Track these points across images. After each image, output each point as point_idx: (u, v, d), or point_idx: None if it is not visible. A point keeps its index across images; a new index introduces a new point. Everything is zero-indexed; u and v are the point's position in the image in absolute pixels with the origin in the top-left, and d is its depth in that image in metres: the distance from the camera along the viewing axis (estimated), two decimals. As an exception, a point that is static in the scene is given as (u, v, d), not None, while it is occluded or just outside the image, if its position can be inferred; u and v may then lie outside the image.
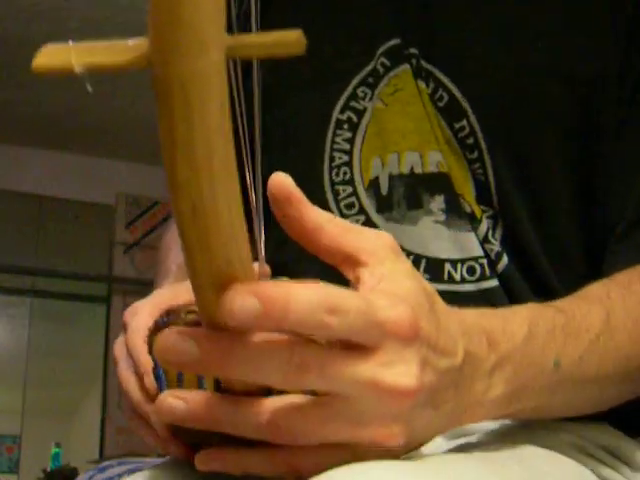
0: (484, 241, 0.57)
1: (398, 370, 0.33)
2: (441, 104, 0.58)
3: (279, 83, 0.68)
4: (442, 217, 0.59)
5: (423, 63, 0.59)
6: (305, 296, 0.31)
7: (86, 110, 3.57)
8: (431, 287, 0.38)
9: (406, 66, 0.60)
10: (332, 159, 0.63)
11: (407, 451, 0.38)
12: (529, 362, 0.43)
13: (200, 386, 0.42)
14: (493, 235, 0.57)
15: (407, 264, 0.38)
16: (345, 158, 0.63)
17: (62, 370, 5.36)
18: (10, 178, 4.01)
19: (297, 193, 0.35)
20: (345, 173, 0.63)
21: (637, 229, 0.54)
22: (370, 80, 0.62)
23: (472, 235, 0.58)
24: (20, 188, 4.04)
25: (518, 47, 0.57)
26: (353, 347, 0.33)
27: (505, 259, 0.57)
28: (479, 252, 0.57)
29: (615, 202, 0.55)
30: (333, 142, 0.63)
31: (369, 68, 0.62)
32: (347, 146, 0.63)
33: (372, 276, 0.36)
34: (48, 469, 4.32)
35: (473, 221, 0.58)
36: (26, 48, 3.43)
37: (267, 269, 0.49)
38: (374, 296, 0.34)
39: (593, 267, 0.55)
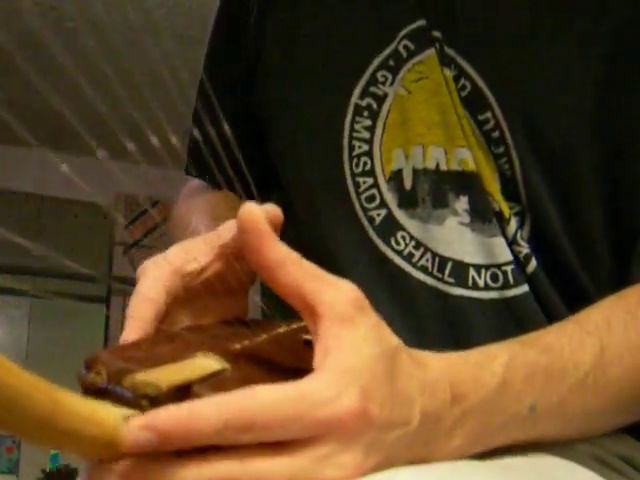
0: (512, 243, 0.55)
1: (339, 461, 0.32)
2: (464, 94, 0.56)
3: (294, 66, 0.65)
4: (467, 219, 0.57)
5: (446, 49, 0.56)
6: (206, 417, 0.30)
7: (86, 110, 3.56)
8: (396, 341, 0.36)
9: (431, 51, 0.57)
10: (352, 148, 0.60)
11: None
12: (500, 411, 0.41)
13: None
14: (521, 235, 0.55)
15: (369, 321, 0.36)
16: (365, 147, 0.60)
17: (62, 370, 5.35)
18: (10, 178, 4.01)
19: (266, 226, 0.34)
20: (365, 163, 0.60)
21: None
22: (391, 63, 0.59)
23: (498, 239, 0.56)
24: (20, 188, 4.03)
25: (546, 33, 0.54)
26: (287, 442, 0.32)
27: (534, 262, 0.55)
28: (505, 258, 0.55)
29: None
30: (352, 130, 0.60)
31: (390, 50, 0.59)
32: (367, 135, 0.60)
33: (326, 339, 0.34)
34: (47, 469, 4.31)
35: (501, 221, 0.56)
36: (26, 48, 3.43)
37: None
38: (318, 383, 0.32)
39: (621, 264, 0.53)
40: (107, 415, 0.32)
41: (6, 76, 3.29)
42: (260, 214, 0.34)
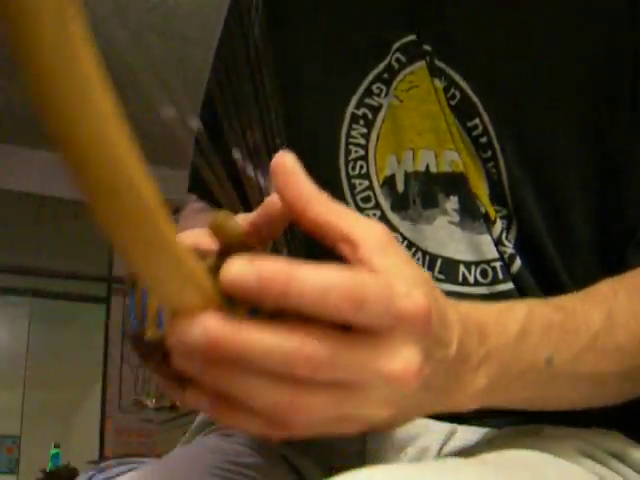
0: (498, 243, 0.57)
1: (405, 358, 0.34)
2: (453, 102, 0.58)
3: (295, 79, 0.68)
4: (456, 218, 0.58)
5: (436, 61, 0.59)
6: (311, 278, 0.31)
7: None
8: (427, 274, 0.38)
9: (422, 63, 0.60)
10: (348, 152, 0.63)
11: (386, 427, 0.39)
12: (518, 358, 0.43)
13: None
14: (507, 237, 0.57)
15: (405, 252, 0.38)
16: (361, 152, 0.62)
17: (62, 370, 5.35)
18: (10, 178, 4.01)
19: (297, 167, 0.35)
20: (362, 167, 0.62)
21: None
22: (385, 76, 0.62)
23: (486, 237, 0.57)
24: (20, 188, 4.04)
25: (529, 44, 0.56)
26: (361, 330, 0.33)
27: (519, 261, 0.56)
28: (493, 254, 0.57)
29: (634, 203, 0.55)
30: (349, 136, 0.63)
31: (384, 64, 0.62)
32: (363, 141, 0.62)
33: (370, 259, 0.35)
34: (47, 469, 4.32)
35: (487, 222, 0.57)
36: (26, 48, 3.44)
37: None
38: (393, 280, 0.34)
39: (607, 269, 0.54)
40: (198, 264, 0.31)
41: (6, 76, 3.30)
42: (293, 158, 0.36)
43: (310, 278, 0.31)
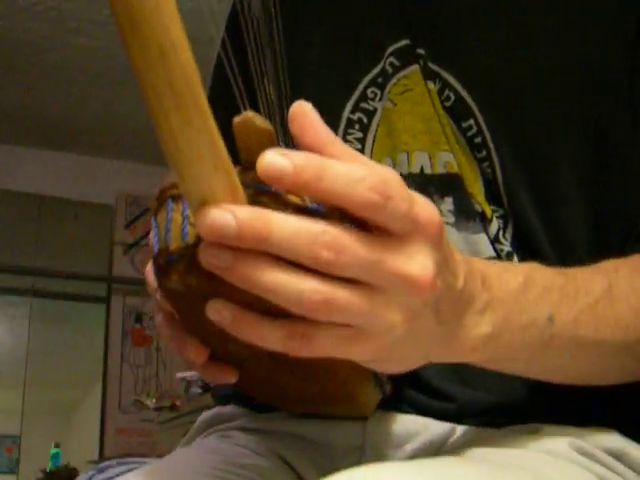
0: (495, 241, 0.57)
1: (422, 263, 0.35)
2: (448, 104, 0.58)
3: (291, 85, 0.69)
4: (451, 219, 0.59)
5: (430, 63, 0.59)
6: (343, 167, 0.32)
7: (86, 110, 3.57)
8: None
9: (415, 67, 0.61)
10: None
11: (397, 364, 0.40)
12: (521, 310, 0.43)
13: None
14: (504, 235, 0.57)
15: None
16: None
17: (62, 370, 5.35)
18: (10, 178, 4.01)
19: (315, 114, 0.36)
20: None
21: None
22: (379, 80, 0.62)
23: (482, 236, 0.58)
24: (20, 188, 4.03)
25: (524, 45, 0.57)
26: (382, 232, 0.34)
27: (516, 259, 0.57)
28: (489, 253, 0.57)
29: (634, 200, 0.55)
30: (345, 141, 0.63)
31: (378, 68, 0.63)
32: (359, 146, 0.63)
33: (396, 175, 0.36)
34: (47, 469, 4.32)
35: (484, 221, 0.57)
36: (26, 48, 3.44)
37: None
38: (412, 192, 0.35)
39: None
40: (244, 200, 0.33)
41: (6, 76, 3.30)
42: (309, 105, 0.36)
43: (343, 166, 0.33)
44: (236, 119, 0.35)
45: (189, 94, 0.30)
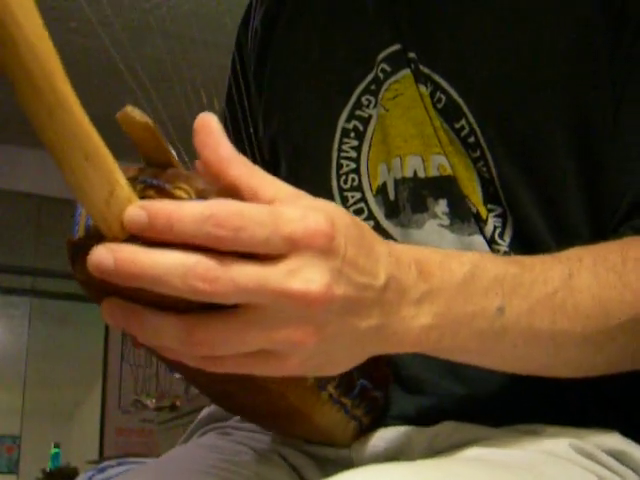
0: (491, 242, 0.57)
1: (307, 276, 0.35)
2: (440, 106, 0.59)
3: (284, 95, 0.70)
4: (446, 221, 0.59)
5: (421, 67, 0.60)
6: (190, 209, 0.33)
7: (86, 110, 3.56)
8: (344, 210, 0.39)
9: (406, 71, 0.61)
10: (340, 166, 0.64)
11: (331, 367, 0.40)
12: (466, 301, 0.43)
13: None
14: (501, 235, 0.57)
15: (324, 200, 0.39)
16: (352, 165, 0.63)
17: (62, 370, 5.35)
18: (10, 178, 4.01)
19: (218, 127, 0.36)
20: (353, 180, 0.63)
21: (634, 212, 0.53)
22: (373, 87, 0.63)
23: (477, 237, 0.58)
24: (20, 188, 4.03)
25: (510, 42, 0.57)
26: (261, 256, 0.34)
27: None
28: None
29: (618, 187, 0.55)
30: (340, 150, 0.64)
31: (371, 76, 0.63)
32: (354, 154, 0.63)
33: (289, 196, 0.37)
34: (47, 469, 4.32)
35: (479, 222, 0.57)
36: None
37: None
38: (285, 208, 0.35)
39: None
40: (125, 189, 0.34)
41: (6, 76, 3.29)
42: (214, 119, 0.36)
43: (192, 207, 0.33)
44: (117, 114, 0.35)
45: (47, 82, 0.31)
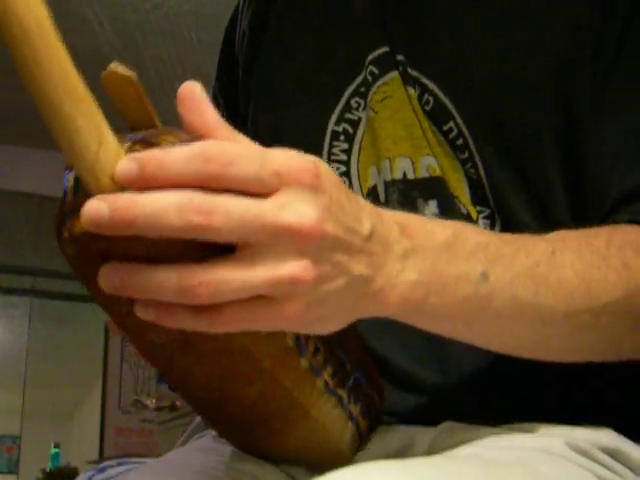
0: None
1: (298, 210, 0.35)
2: (428, 108, 0.59)
3: (273, 98, 0.70)
4: None
5: (409, 70, 0.60)
6: (179, 150, 0.33)
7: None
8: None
9: (394, 73, 0.61)
10: None
11: (325, 322, 0.39)
12: (450, 262, 0.42)
13: None
14: None
15: None
16: (343, 168, 0.63)
17: (62, 370, 5.36)
18: (10, 178, 4.01)
19: (204, 95, 0.36)
20: (344, 182, 0.63)
21: (619, 207, 0.54)
22: (362, 89, 0.63)
23: None
24: (20, 188, 4.04)
25: (496, 42, 0.58)
26: (252, 193, 0.34)
27: None
28: None
29: (603, 185, 0.55)
30: (330, 153, 0.64)
31: (360, 78, 0.63)
32: (344, 157, 0.63)
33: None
34: (47, 469, 4.32)
35: (469, 222, 0.57)
36: (26, 48, 3.42)
37: None
38: (269, 150, 0.36)
39: None
40: (113, 142, 0.34)
41: (6, 76, 3.30)
42: (199, 87, 0.36)
43: (181, 148, 0.34)
44: (103, 73, 0.36)
45: (35, 25, 0.33)
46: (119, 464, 1.38)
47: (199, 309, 0.35)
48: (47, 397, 5.48)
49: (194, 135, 0.35)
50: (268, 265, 0.35)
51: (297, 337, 0.43)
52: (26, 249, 4.46)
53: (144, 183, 0.33)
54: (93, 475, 1.28)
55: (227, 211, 0.33)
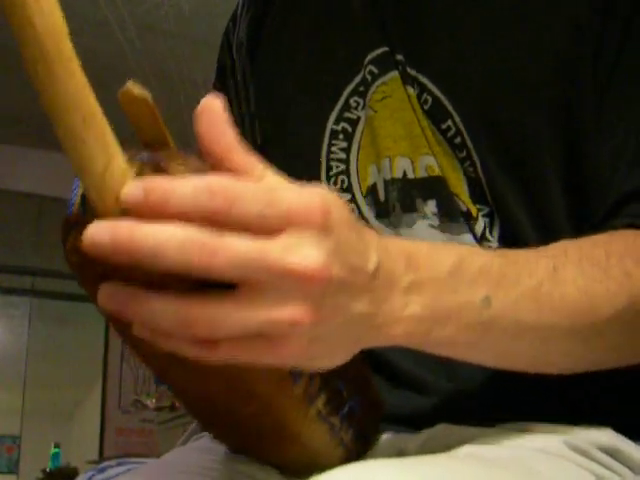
0: (481, 239, 0.57)
1: (304, 253, 0.34)
2: (426, 107, 0.59)
3: (273, 98, 0.70)
4: (436, 221, 0.59)
5: (409, 69, 0.60)
6: (186, 182, 0.33)
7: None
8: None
9: (394, 73, 0.61)
10: (329, 168, 0.64)
11: (327, 358, 0.39)
12: (453, 291, 0.42)
13: None
14: (491, 233, 0.57)
15: None
16: (342, 167, 0.64)
17: (62, 370, 5.36)
18: (10, 178, 4.01)
19: (225, 114, 0.35)
20: (343, 181, 0.63)
21: (615, 210, 0.53)
22: (361, 89, 0.63)
23: (466, 236, 0.58)
24: (20, 188, 4.04)
25: (495, 42, 0.58)
26: (256, 232, 0.33)
27: None
28: None
29: (603, 186, 0.55)
30: (329, 152, 0.64)
31: (359, 77, 0.63)
32: (343, 155, 0.64)
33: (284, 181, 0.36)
34: (47, 469, 4.32)
35: (469, 220, 0.58)
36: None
37: None
38: (280, 186, 0.35)
39: None
40: (122, 162, 0.34)
41: (6, 76, 3.30)
42: (220, 103, 0.35)
43: (187, 181, 0.33)
44: (119, 91, 0.35)
45: (50, 37, 0.32)
46: (119, 464, 1.38)
47: (197, 339, 0.34)
48: (47, 397, 5.48)
49: (206, 160, 0.35)
50: (268, 306, 0.34)
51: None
52: (26, 249, 4.46)
53: (148, 211, 0.32)
54: (93, 475, 1.28)
55: (229, 252, 0.33)
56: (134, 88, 0.35)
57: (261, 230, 0.34)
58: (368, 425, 0.52)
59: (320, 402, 0.46)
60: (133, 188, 0.33)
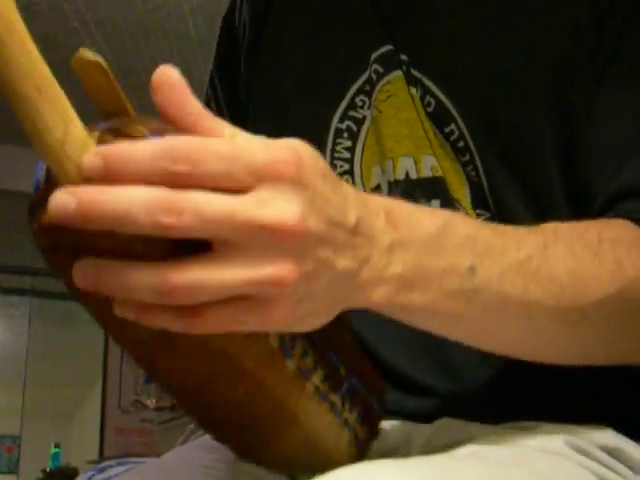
0: None
1: (277, 206, 0.33)
2: (430, 109, 0.59)
3: (273, 98, 0.69)
4: None
5: (412, 70, 0.60)
6: (144, 145, 0.32)
7: (87, 110, 3.57)
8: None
9: (398, 72, 0.61)
10: (333, 167, 0.63)
11: (314, 317, 0.38)
12: (437, 255, 0.41)
13: None
14: None
15: None
16: (346, 166, 0.63)
17: (62, 370, 5.36)
18: (10, 178, 4.01)
19: (183, 82, 0.34)
20: (347, 181, 0.63)
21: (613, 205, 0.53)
22: (367, 88, 0.63)
23: None
24: (20, 188, 4.04)
25: (496, 44, 0.58)
26: (227, 190, 0.32)
27: None
28: None
29: (601, 187, 0.54)
30: (334, 151, 0.64)
31: (365, 76, 0.63)
32: (347, 155, 0.63)
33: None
34: (47, 469, 4.32)
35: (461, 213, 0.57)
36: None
37: None
38: (245, 140, 0.34)
39: None
40: (80, 129, 0.33)
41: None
42: (175, 72, 0.34)
43: (146, 144, 0.32)
44: (72, 60, 0.34)
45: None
46: (119, 464, 1.38)
47: (180, 309, 0.33)
48: (47, 397, 5.48)
49: (169, 124, 0.34)
50: (246, 265, 0.33)
51: (281, 338, 0.41)
52: (26, 249, 4.46)
53: (110, 178, 0.32)
54: (93, 475, 1.28)
55: (197, 210, 0.31)
56: (86, 53, 0.34)
57: (230, 187, 0.32)
58: (372, 406, 0.51)
59: (317, 378, 0.44)
60: (92, 155, 0.32)
